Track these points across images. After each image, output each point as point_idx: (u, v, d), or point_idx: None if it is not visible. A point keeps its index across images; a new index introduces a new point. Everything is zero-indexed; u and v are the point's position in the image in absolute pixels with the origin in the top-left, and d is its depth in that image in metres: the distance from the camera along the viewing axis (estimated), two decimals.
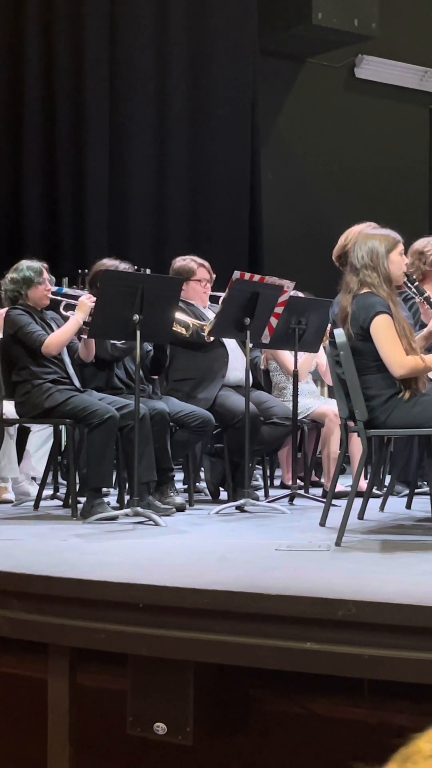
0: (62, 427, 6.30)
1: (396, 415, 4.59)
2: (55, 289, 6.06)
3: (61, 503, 6.26)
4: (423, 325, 5.55)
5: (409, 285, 5.29)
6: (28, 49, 9.73)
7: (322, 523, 5.03)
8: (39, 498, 6.09)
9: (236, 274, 5.85)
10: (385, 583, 3.50)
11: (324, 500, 5.48)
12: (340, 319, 4.72)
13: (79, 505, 5.58)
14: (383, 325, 4.58)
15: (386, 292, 4.67)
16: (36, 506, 6.04)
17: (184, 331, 6.33)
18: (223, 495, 6.50)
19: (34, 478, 6.78)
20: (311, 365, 7.22)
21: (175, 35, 10.57)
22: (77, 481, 5.79)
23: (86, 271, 7.52)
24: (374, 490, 6.08)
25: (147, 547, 4.61)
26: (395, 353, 4.57)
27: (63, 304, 6.04)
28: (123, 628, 3.45)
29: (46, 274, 5.90)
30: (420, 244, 6.07)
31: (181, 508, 5.81)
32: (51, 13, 9.82)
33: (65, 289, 6.43)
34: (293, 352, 6.51)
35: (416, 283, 5.36)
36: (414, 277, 5.49)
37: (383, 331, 4.58)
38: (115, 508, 5.62)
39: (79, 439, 5.87)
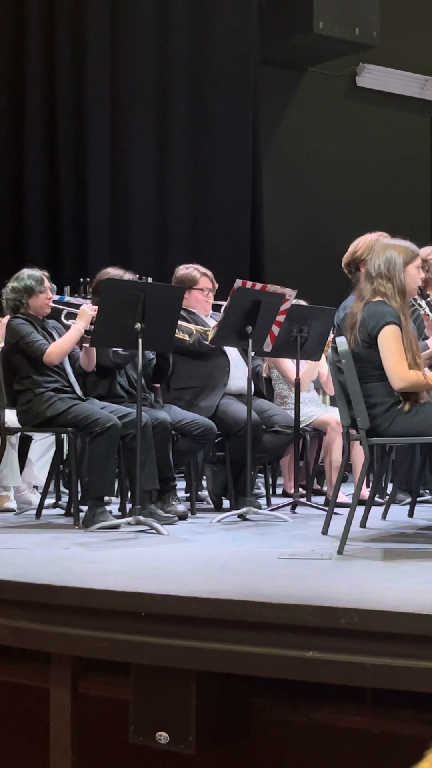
0: (64, 436, 6.30)
1: (398, 423, 4.59)
2: (56, 297, 6.06)
3: (63, 512, 6.26)
4: (426, 338, 5.57)
5: (420, 300, 5.30)
6: (29, 61, 9.75)
7: (324, 532, 5.02)
8: (41, 507, 6.09)
9: (238, 282, 5.86)
10: (387, 592, 3.50)
11: (326, 508, 5.48)
12: (348, 325, 4.72)
13: (81, 514, 5.58)
14: (391, 336, 4.58)
15: (398, 303, 4.67)
16: (38, 515, 6.04)
17: (187, 338, 6.33)
18: (225, 503, 6.49)
19: (36, 487, 6.78)
20: (313, 374, 7.22)
21: (177, 44, 10.59)
22: (79, 489, 5.79)
23: (88, 279, 7.53)
24: (376, 499, 6.08)
25: (149, 556, 4.61)
26: (398, 366, 4.57)
27: (64, 312, 6.04)
28: (125, 636, 3.44)
29: (47, 283, 5.91)
30: (425, 251, 6.08)
31: (183, 517, 5.81)
32: (52, 25, 9.84)
33: (67, 298, 6.44)
34: (295, 361, 6.51)
35: (429, 298, 5.37)
36: (428, 292, 5.50)
37: (390, 342, 4.58)
38: (117, 517, 5.61)
39: (81, 448, 5.87)
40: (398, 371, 4.57)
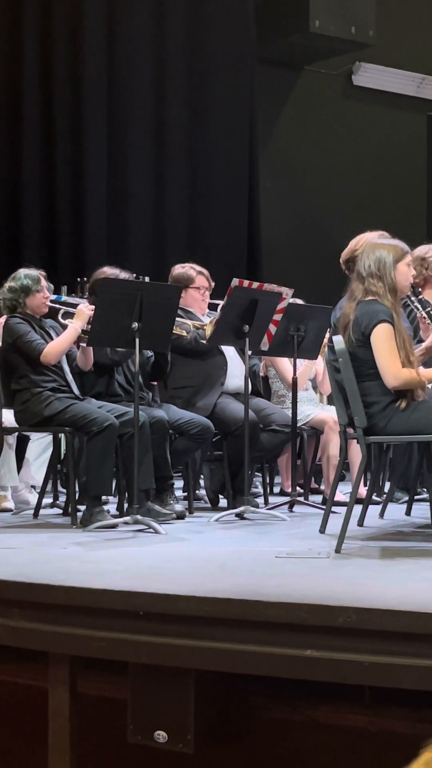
0: (61, 436, 6.30)
1: (395, 421, 4.59)
2: (53, 297, 6.06)
3: (60, 511, 6.26)
4: (421, 340, 5.56)
5: (413, 298, 5.30)
6: (26, 61, 9.74)
7: (322, 530, 5.03)
8: (39, 506, 6.09)
9: (235, 281, 5.86)
10: (385, 590, 3.50)
11: (324, 507, 5.48)
12: (341, 325, 4.72)
13: (79, 514, 5.58)
14: (384, 334, 4.59)
15: (390, 302, 4.68)
16: (36, 514, 6.04)
17: (184, 334, 6.33)
18: (223, 502, 6.49)
19: (33, 487, 6.78)
20: (310, 373, 7.22)
21: (173, 44, 10.59)
22: (77, 489, 5.79)
23: (85, 279, 7.53)
24: (374, 497, 6.08)
25: (147, 555, 4.61)
26: (391, 364, 4.57)
27: (62, 312, 6.04)
28: (123, 636, 3.44)
29: (44, 282, 5.90)
30: (422, 250, 6.11)
31: (180, 516, 5.81)
32: (49, 23, 9.83)
33: (64, 297, 6.43)
34: (292, 360, 6.51)
35: (420, 296, 5.37)
36: (420, 289, 5.50)
37: (383, 341, 4.58)
38: (114, 516, 5.61)
39: (79, 447, 5.87)
40: (391, 369, 4.58)
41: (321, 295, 7.12)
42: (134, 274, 6.60)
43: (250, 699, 3.56)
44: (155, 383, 6.65)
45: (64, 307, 6.04)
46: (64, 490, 6.66)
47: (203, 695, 3.41)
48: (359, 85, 12.45)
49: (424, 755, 1.31)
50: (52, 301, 5.97)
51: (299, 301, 6.92)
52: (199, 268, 6.72)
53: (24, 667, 3.84)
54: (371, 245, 4.87)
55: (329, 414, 6.74)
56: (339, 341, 4.66)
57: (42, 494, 6.15)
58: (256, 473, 7.34)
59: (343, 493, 6.35)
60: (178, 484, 6.48)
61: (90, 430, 5.50)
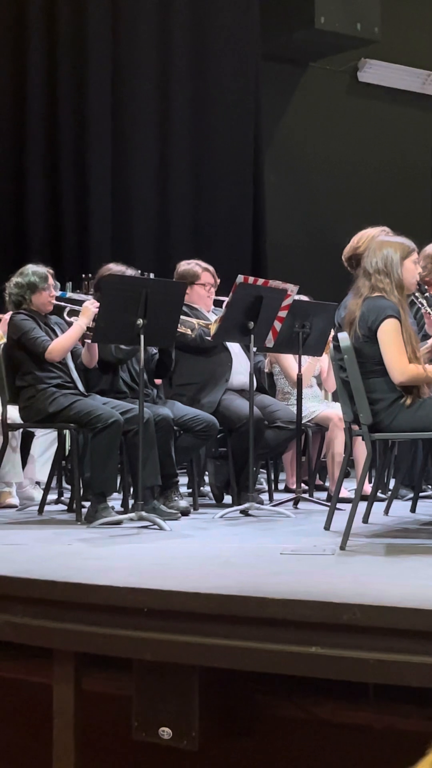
0: (66, 432, 6.30)
1: (400, 418, 4.59)
2: (58, 294, 6.06)
3: (65, 508, 6.26)
4: (427, 335, 5.56)
5: (418, 295, 5.30)
6: (30, 58, 9.75)
7: (327, 527, 5.02)
8: (43, 503, 6.09)
9: (240, 278, 5.85)
10: (390, 587, 3.50)
11: (328, 504, 5.48)
12: (347, 321, 4.72)
13: (84, 510, 5.58)
14: (391, 329, 4.58)
15: (397, 298, 4.68)
16: (40, 511, 6.04)
17: (189, 332, 6.32)
18: (228, 499, 6.50)
19: (38, 483, 6.78)
20: (315, 370, 7.22)
21: (178, 41, 10.59)
22: (81, 485, 5.79)
23: (90, 275, 7.53)
24: (379, 494, 6.07)
25: (151, 552, 4.60)
26: (399, 359, 4.57)
27: (67, 309, 6.04)
28: (128, 632, 3.44)
29: (51, 281, 5.90)
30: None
31: (185, 513, 5.81)
32: (54, 21, 9.84)
33: (69, 294, 6.43)
34: (296, 357, 6.51)
35: (426, 293, 5.37)
36: (426, 287, 5.49)
37: (390, 336, 4.58)
38: (119, 513, 5.61)
39: (83, 444, 5.87)
40: (399, 365, 4.57)
41: (326, 292, 7.12)
42: (139, 271, 6.59)
43: (254, 696, 3.56)
44: (159, 381, 6.65)
45: (70, 305, 6.03)
46: (69, 487, 6.67)
47: (208, 692, 3.40)
48: (365, 81, 12.46)
49: (430, 755, 1.30)
50: (57, 299, 5.97)
51: (304, 298, 6.92)
52: (204, 264, 6.72)
53: (29, 664, 3.84)
54: (378, 243, 4.87)
55: (334, 411, 6.73)
56: (344, 338, 4.66)
57: (46, 491, 6.15)
58: (261, 470, 7.34)
59: (347, 489, 6.35)
60: (183, 480, 6.48)
61: (95, 427, 5.49)
